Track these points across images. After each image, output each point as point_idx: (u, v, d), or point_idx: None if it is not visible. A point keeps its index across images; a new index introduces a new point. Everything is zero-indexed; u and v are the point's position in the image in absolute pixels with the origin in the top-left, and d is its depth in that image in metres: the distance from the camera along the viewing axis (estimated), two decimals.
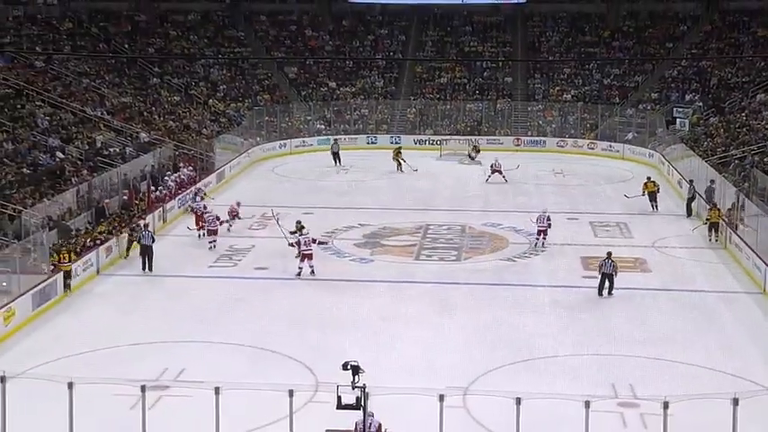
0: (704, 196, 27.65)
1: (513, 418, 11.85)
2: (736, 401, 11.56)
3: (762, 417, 13.34)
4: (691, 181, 29.19)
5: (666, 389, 14.38)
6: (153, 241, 22.30)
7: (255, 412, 13.78)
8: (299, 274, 21.59)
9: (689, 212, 28.23)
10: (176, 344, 17.33)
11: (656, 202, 28.50)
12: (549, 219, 24.51)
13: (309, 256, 21.70)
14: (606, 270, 19.89)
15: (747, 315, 19.17)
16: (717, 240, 24.40)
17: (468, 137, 41.98)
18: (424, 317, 19.05)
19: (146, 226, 23.13)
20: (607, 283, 19.95)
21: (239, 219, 26.41)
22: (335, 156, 37.84)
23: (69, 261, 20.51)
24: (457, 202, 30.54)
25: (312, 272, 21.63)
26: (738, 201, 24.83)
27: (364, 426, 11.58)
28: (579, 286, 21.20)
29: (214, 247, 24.28)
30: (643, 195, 28.54)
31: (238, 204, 26.84)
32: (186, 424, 13.70)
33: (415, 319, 18.85)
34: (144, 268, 21.98)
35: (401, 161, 35.94)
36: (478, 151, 39.93)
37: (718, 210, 24.92)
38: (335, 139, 39.81)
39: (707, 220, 24.98)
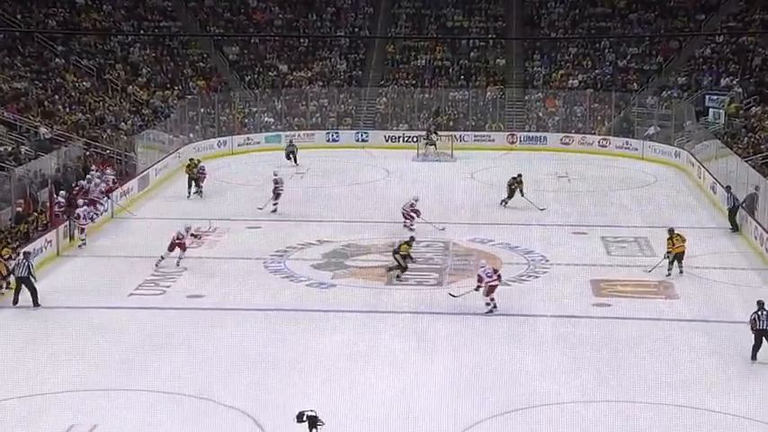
0: (744, 206, 27.93)
1: None
2: None
3: None
4: (728, 188, 29.33)
5: None
6: (29, 273, 21.94)
7: None
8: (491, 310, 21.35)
9: (734, 227, 28.31)
10: (85, 394, 17.15)
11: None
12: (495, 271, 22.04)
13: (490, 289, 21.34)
14: (763, 326, 18.53)
15: None
16: (681, 273, 23.78)
17: (452, 132, 42.19)
18: (399, 355, 19.07)
19: (26, 254, 22.67)
20: None
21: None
22: (290, 156, 38.47)
23: None
24: (438, 214, 30.63)
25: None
26: None
27: None
28: (589, 316, 21.35)
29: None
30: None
31: (187, 230, 25.45)
32: None
33: (387, 359, 18.86)
34: (15, 302, 21.76)
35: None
36: (436, 132, 40.37)
37: (680, 236, 24.04)
38: (291, 139, 39.86)
39: (668, 253, 23.88)
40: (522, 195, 30.97)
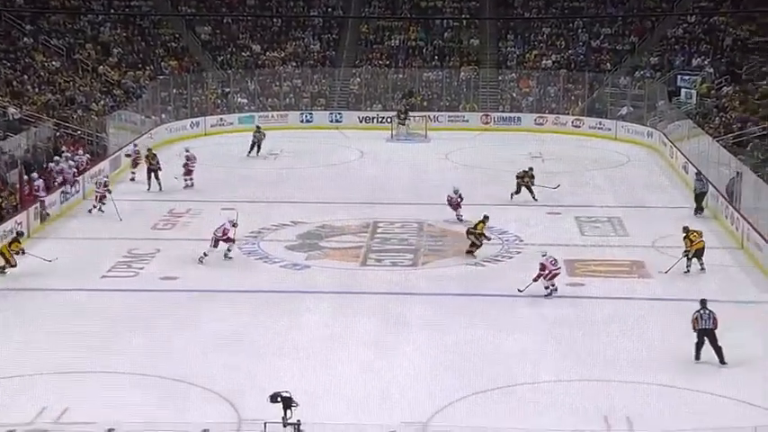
0: (725, 194, 27.31)
1: None
2: None
3: None
4: (699, 173, 29.01)
5: (672, 422, 14.63)
6: None
7: None
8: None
9: (699, 209, 28.06)
10: (58, 377, 17.02)
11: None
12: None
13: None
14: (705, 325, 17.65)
15: None
16: (703, 269, 22.65)
17: (426, 113, 42.18)
18: (374, 336, 19.06)
19: None
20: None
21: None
22: (255, 145, 36.65)
23: None
24: (413, 194, 30.64)
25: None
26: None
27: None
28: (564, 296, 21.42)
29: None
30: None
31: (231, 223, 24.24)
32: None
33: (363, 340, 18.85)
34: None
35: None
36: (406, 112, 40.32)
37: (696, 232, 22.96)
38: (258, 126, 38.29)
39: (686, 251, 22.71)
40: (533, 185, 29.60)
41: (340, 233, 26.48)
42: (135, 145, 34.42)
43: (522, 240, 25.51)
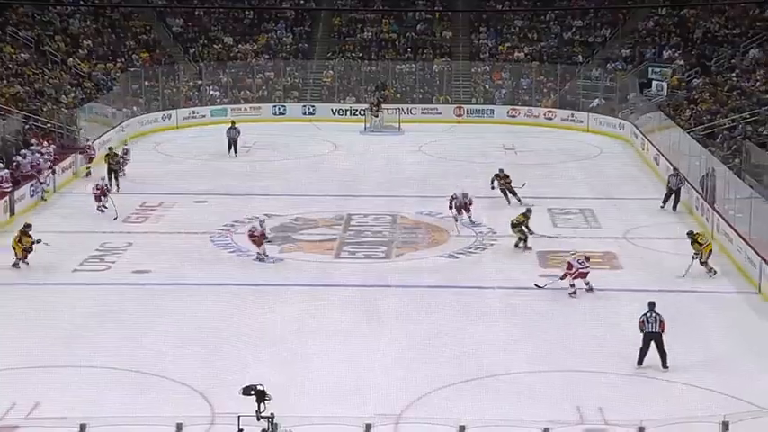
0: (700, 190, 26.81)
1: None
2: (725, 425, 11.91)
3: None
4: (675, 169, 28.37)
5: (643, 411, 14.72)
6: None
7: None
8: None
9: (666, 202, 27.70)
10: (28, 371, 16.90)
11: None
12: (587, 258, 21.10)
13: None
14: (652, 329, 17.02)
15: (740, 319, 19.74)
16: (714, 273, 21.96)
17: (399, 105, 42.20)
18: (348, 328, 19.07)
19: None
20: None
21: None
22: (232, 142, 35.44)
23: None
24: (386, 187, 30.65)
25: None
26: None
27: None
28: (536, 288, 21.50)
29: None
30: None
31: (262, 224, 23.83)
32: None
33: (336, 332, 18.86)
34: None
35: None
36: (379, 105, 40.30)
37: (700, 234, 22.40)
38: (233, 122, 36.90)
39: (696, 254, 22.00)
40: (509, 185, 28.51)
41: (314, 226, 26.46)
42: (87, 139, 33.65)
43: (495, 232, 25.55)
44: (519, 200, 27.84)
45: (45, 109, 35.77)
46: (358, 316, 19.75)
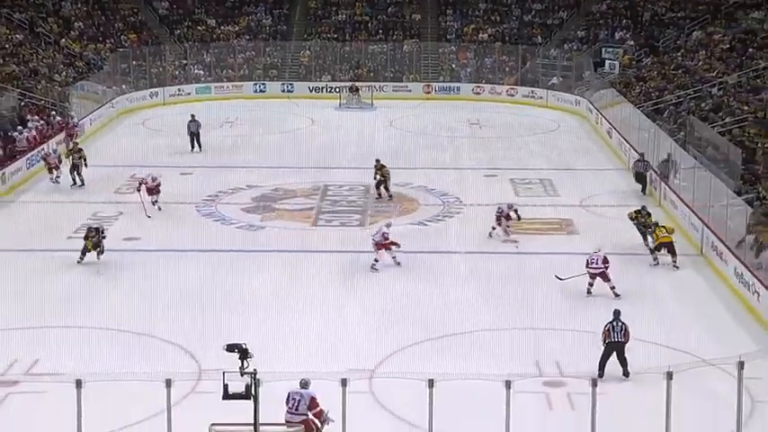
0: (658, 171, 25.82)
1: (425, 402, 12.05)
2: (670, 375, 12.04)
3: (698, 391, 13.97)
4: (641, 155, 26.89)
5: (596, 365, 14.88)
6: None
7: (126, 407, 13.63)
8: None
9: (645, 189, 26.23)
10: (26, 332, 16.88)
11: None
12: (605, 260, 18.81)
13: None
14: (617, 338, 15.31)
15: (684, 279, 19.93)
16: (675, 264, 20.36)
17: (372, 83, 42.03)
18: (324, 291, 19.11)
19: None
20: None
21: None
22: (193, 137, 31.65)
23: None
24: (360, 159, 30.57)
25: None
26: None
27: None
28: (499, 252, 21.61)
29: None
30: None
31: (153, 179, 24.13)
32: (41, 425, 13.45)
33: (314, 295, 18.89)
34: None
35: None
36: (357, 90, 40.15)
37: (664, 228, 20.79)
38: (193, 115, 32.39)
39: (649, 243, 20.97)
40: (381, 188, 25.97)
41: (292, 195, 26.39)
42: (72, 116, 32.48)
43: (461, 201, 25.62)
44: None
45: (39, 87, 35.37)
46: (334, 280, 19.77)
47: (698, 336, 16.89)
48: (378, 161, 26.36)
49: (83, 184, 26.83)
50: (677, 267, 20.31)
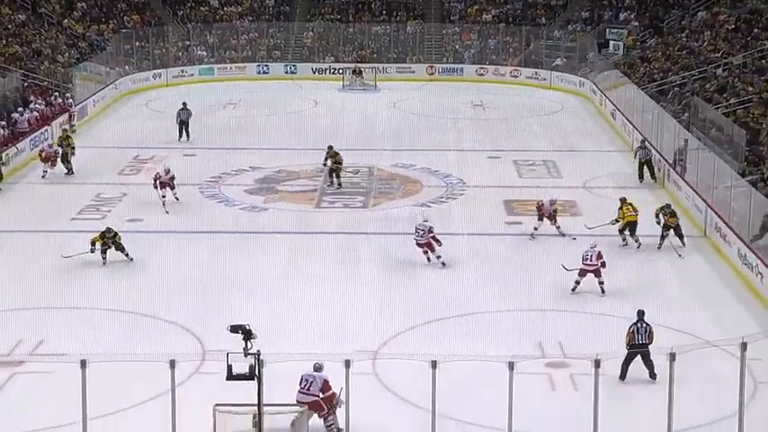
0: (672, 162, 24.82)
1: (428, 383, 12.08)
2: (672, 356, 12.04)
3: (701, 371, 14.00)
4: (643, 141, 26.51)
5: (599, 346, 14.85)
6: None
7: (130, 388, 13.68)
8: None
9: (642, 177, 25.66)
10: (31, 312, 16.92)
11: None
12: (599, 256, 18.07)
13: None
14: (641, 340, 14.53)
15: (687, 261, 19.90)
16: (637, 243, 20.34)
17: (375, 64, 41.92)
18: (328, 273, 19.11)
19: None
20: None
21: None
22: (183, 126, 30.36)
23: None
24: (363, 141, 30.54)
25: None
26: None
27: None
28: (502, 233, 21.60)
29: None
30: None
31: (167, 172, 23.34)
32: (46, 405, 13.50)
33: (318, 276, 18.89)
34: None
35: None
36: (360, 73, 40.03)
37: (631, 205, 20.51)
38: (185, 104, 30.86)
39: (615, 220, 20.68)
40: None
41: (296, 177, 26.37)
42: (69, 97, 32.35)
43: (464, 183, 25.59)
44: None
45: (42, 68, 35.29)
46: (337, 262, 19.77)
47: (701, 317, 16.91)
48: (330, 147, 25.44)
49: (72, 173, 26.10)
50: (681, 256, 19.90)
